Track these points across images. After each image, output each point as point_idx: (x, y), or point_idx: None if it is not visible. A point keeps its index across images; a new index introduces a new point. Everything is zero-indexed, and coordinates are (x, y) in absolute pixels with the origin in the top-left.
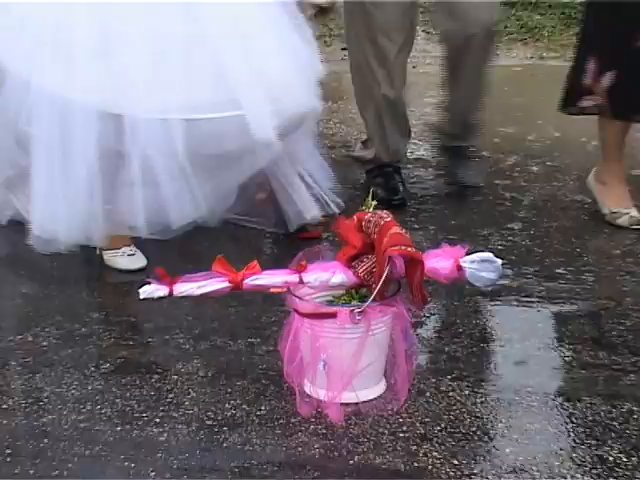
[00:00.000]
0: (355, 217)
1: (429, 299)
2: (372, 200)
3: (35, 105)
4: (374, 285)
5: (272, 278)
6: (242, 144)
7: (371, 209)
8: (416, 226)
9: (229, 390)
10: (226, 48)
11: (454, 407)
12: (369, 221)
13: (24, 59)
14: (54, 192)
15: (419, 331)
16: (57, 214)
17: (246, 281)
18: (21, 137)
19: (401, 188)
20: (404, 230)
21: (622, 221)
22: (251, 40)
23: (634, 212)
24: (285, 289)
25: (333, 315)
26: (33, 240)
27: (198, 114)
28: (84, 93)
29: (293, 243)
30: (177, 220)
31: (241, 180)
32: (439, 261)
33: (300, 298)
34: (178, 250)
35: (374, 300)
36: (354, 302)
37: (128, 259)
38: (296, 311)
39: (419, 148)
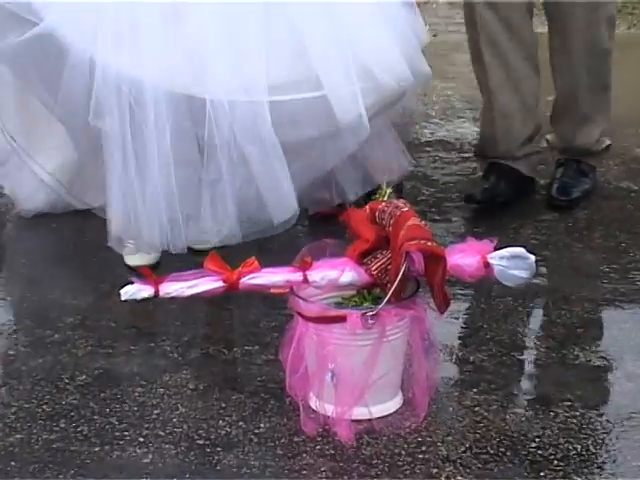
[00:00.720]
0: (368, 207)
1: (452, 301)
2: (387, 188)
3: (103, 95)
4: (389, 285)
5: (272, 277)
6: (325, 129)
7: (386, 198)
8: (437, 217)
9: (223, 405)
10: (308, 15)
11: (480, 425)
12: (383, 211)
13: (86, 35)
14: (132, 191)
15: (441, 337)
16: (138, 214)
17: (243, 280)
18: (89, 132)
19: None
20: (423, 222)
21: None
22: (338, 6)
23: None
24: (287, 289)
25: (342, 319)
26: (113, 242)
27: (281, 95)
28: (154, 73)
29: (296, 236)
30: (279, 215)
31: (328, 168)
32: (463, 257)
33: (305, 299)
34: None
35: (389, 302)
36: (366, 304)
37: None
38: (300, 314)
39: (440, 128)
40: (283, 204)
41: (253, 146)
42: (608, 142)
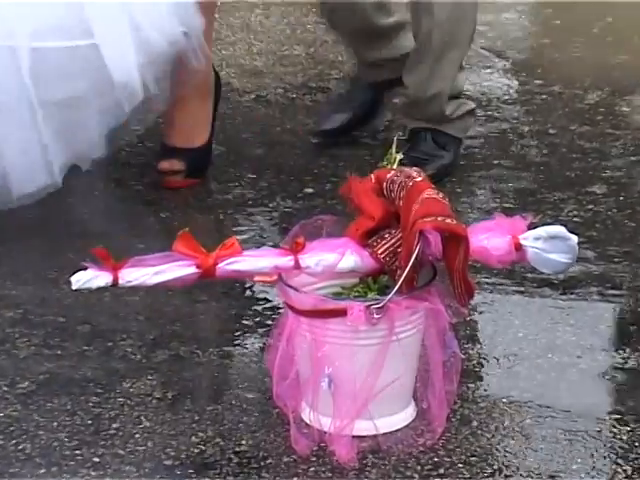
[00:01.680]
0: (373, 176)
1: (476, 291)
2: (396, 152)
3: None
4: (399, 271)
5: (257, 261)
6: (97, 85)
7: (395, 165)
8: (458, 189)
9: (196, 418)
10: None
11: (511, 442)
12: (393, 182)
13: None
14: None
15: (462, 335)
16: None
17: (220, 265)
18: None
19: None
20: (441, 194)
21: None
22: None
23: None
24: (275, 277)
25: (342, 313)
26: None
27: (46, 41)
28: None
29: (287, 212)
30: (22, 185)
31: (103, 133)
32: (490, 238)
33: (296, 289)
34: (122, 220)
35: (399, 292)
36: (371, 295)
37: None
38: (290, 307)
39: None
40: (30, 172)
41: (8, 96)
42: (472, 105)
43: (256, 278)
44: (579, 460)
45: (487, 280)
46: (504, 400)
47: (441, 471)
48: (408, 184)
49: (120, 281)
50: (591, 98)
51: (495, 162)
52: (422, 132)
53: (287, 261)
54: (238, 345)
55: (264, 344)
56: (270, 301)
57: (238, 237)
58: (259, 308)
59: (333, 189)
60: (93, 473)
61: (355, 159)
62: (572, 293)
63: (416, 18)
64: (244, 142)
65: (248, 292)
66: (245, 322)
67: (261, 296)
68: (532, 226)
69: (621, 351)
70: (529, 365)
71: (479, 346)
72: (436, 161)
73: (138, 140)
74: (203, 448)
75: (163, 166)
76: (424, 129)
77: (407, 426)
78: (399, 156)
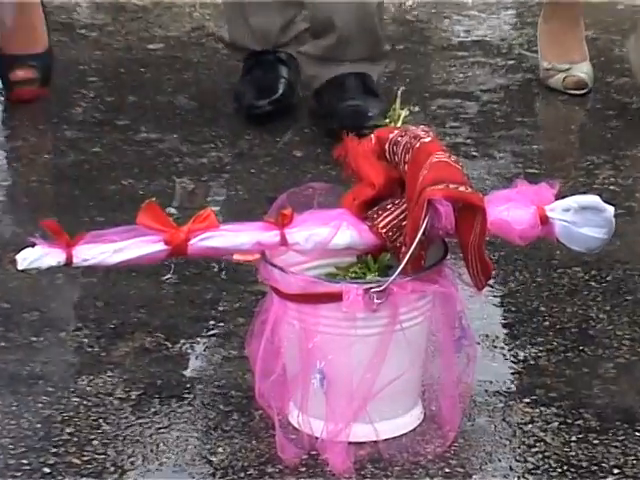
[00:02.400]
0: (373, 136)
1: (494, 272)
2: (400, 108)
3: None
4: (404, 248)
5: (236, 236)
6: None
7: (399, 123)
8: (474, 152)
9: (165, 421)
10: None
11: (535, 450)
12: (397, 143)
13: None
14: None
15: (479, 324)
16: None
17: (193, 241)
18: None
19: (282, 87)
20: (454, 158)
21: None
22: None
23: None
24: (257, 255)
25: (336, 297)
26: None
27: None
28: None
29: (271, 178)
30: None
31: None
32: (512, 209)
33: (282, 270)
34: (77, 188)
35: (404, 272)
36: (371, 276)
37: None
38: (276, 291)
39: (479, 26)
40: None
41: None
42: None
43: (235, 257)
44: (615, 472)
45: (507, 259)
46: (526, 400)
47: None
48: (414, 145)
49: (75, 260)
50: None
51: (517, 120)
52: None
53: (272, 236)
54: (214, 335)
55: (245, 334)
56: (252, 283)
57: (214, 208)
58: (239, 292)
59: (326, 152)
60: None
61: None
62: (607, 274)
63: None
64: (221, 96)
65: (225, 273)
66: (222, 308)
67: (241, 278)
68: (561, 195)
69: None
70: (557, 361)
71: (497, 337)
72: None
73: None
74: (173, 456)
75: (18, 76)
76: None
77: (413, 431)
78: (404, 112)
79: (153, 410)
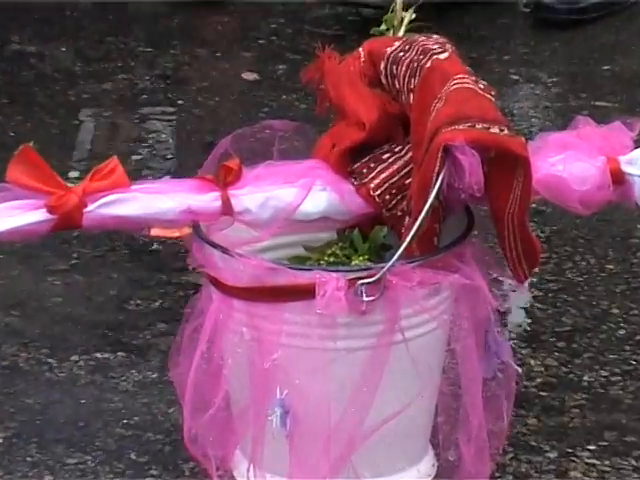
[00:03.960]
0: (363, 50)
1: (542, 256)
2: (403, 8)
3: None
4: (408, 219)
5: (156, 201)
6: None
7: (401, 31)
8: (513, 73)
9: (48, 476)
10: None
11: None
12: (397, 60)
13: None
14: None
15: (517, 334)
16: None
17: (91, 208)
18: None
19: None
20: (483, 83)
21: None
22: None
23: None
24: (188, 229)
25: (307, 292)
26: None
27: None
28: None
29: (208, 112)
30: None
31: None
32: (570, 161)
33: (226, 251)
34: None
35: (408, 256)
36: (358, 261)
37: None
38: (216, 283)
39: None
40: None
41: None
42: None
43: (153, 231)
44: None
45: (559, 237)
46: (591, 447)
47: None
48: (424, 64)
49: None
50: None
51: (575, 19)
52: None
53: (209, 200)
54: (121, 350)
55: (168, 348)
56: (179, 272)
57: (123, 160)
58: (159, 284)
59: (291, 71)
60: None
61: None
62: None
63: None
64: None
65: (139, 256)
66: (133, 308)
67: (162, 263)
68: None
69: None
70: (636, 386)
71: (547, 352)
72: None
73: None
74: None
75: None
76: None
77: None
78: (408, 16)
79: (29, 458)
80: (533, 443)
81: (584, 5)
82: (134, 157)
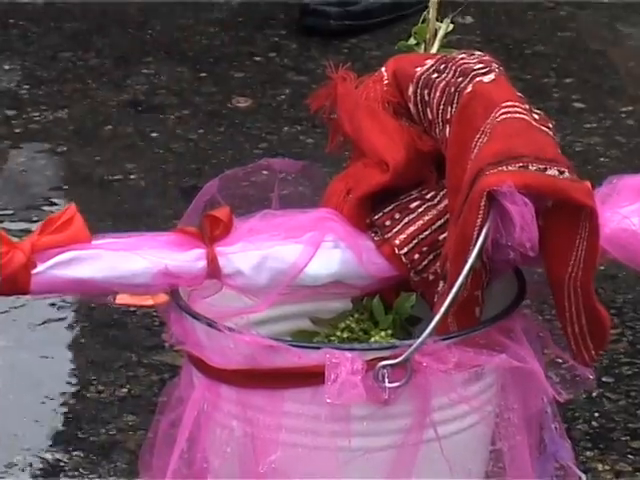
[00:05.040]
0: (386, 70)
1: (612, 331)
2: (437, 19)
3: None
4: (442, 284)
5: (124, 260)
6: None
7: (435, 47)
8: (576, 100)
9: None
10: None
11: None
12: (430, 84)
13: None
14: None
15: (585, 432)
16: None
17: (41, 268)
18: None
19: None
20: (537, 112)
21: None
22: None
23: None
24: (164, 296)
25: (314, 377)
26: None
27: None
28: None
29: (199, 139)
30: None
31: None
32: None
33: (212, 324)
34: None
35: (442, 331)
36: (379, 337)
37: None
38: (199, 365)
39: None
40: None
41: None
42: None
43: (120, 298)
44: None
45: (636, 305)
46: None
47: None
48: (463, 89)
49: None
50: None
51: None
52: None
53: (191, 260)
54: (77, 449)
55: (138, 447)
56: (152, 350)
57: (79, 208)
58: (128, 365)
59: (294, 97)
60: None
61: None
62: None
63: None
64: None
65: (104, 331)
66: (93, 396)
67: (132, 338)
68: None
69: None
70: None
71: (623, 455)
72: None
73: None
74: None
75: None
76: None
77: None
78: (444, 27)
79: None
80: None
81: None
82: (88, 205)
